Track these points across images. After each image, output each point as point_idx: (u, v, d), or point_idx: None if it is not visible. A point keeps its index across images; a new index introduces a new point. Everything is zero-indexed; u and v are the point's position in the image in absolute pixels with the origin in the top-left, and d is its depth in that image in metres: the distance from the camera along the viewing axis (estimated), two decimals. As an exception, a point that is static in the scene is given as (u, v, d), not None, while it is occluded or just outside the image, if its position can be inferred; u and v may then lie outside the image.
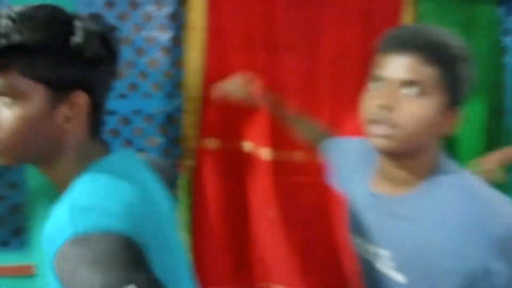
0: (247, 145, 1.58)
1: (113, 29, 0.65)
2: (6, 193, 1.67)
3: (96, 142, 0.68)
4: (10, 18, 0.56)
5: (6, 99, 0.58)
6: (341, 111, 1.54)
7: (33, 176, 1.60)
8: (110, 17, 1.59)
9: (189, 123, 1.59)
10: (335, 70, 1.53)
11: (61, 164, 0.64)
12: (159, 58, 1.64)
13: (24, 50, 0.56)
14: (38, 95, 0.59)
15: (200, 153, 1.57)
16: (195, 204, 1.57)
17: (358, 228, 0.94)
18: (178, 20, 1.61)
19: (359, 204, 0.95)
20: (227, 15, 1.49)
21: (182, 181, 1.59)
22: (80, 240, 0.51)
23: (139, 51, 1.67)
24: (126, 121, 1.70)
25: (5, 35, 0.55)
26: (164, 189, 0.77)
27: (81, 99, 0.62)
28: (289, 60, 1.52)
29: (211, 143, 1.57)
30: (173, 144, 1.69)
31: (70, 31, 0.59)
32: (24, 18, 0.57)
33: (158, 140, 1.70)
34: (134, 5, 1.60)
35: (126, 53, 1.62)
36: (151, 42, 1.64)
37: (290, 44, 1.52)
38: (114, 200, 0.57)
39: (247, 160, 1.57)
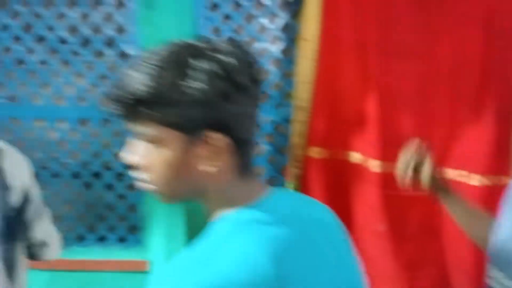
0: (355, 156, 1.55)
1: (245, 60, 0.61)
2: (126, 193, 1.82)
3: (247, 182, 0.64)
4: (139, 69, 0.59)
5: (152, 145, 0.61)
6: (459, 123, 1.45)
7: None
8: (227, 31, 1.68)
9: (296, 132, 1.61)
10: (453, 78, 1.45)
11: (209, 205, 0.64)
12: (269, 69, 1.69)
13: (151, 100, 0.58)
14: (173, 140, 0.60)
15: (307, 162, 1.58)
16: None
17: (499, 261, 0.87)
18: (290, 32, 1.66)
19: (506, 236, 0.87)
20: (341, 23, 1.49)
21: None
22: None
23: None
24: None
25: (134, 88, 0.58)
26: (338, 238, 0.71)
27: (215, 139, 0.60)
28: (403, 67, 1.46)
29: (318, 153, 1.58)
30: (280, 152, 1.72)
31: (190, 75, 0.58)
32: (149, 70, 0.58)
33: (265, 148, 1.75)
34: (250, 18, 1.68)
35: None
36: (263, 53, 1.70)
37: (405, 50, 1.46)
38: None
39: (354, 171, 1.55)
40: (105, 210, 1.83)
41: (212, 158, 0.60)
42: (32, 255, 0.99)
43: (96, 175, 1.82)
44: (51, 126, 1.78)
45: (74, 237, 1.83)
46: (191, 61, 0.59)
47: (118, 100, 0.60)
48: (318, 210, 0.71)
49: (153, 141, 0.61)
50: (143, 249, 1.80)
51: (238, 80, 0.60)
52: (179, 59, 0.59)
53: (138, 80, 0.58)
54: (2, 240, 0.85)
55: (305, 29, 1.53)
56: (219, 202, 0.63)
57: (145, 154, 0.62)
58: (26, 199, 0.91)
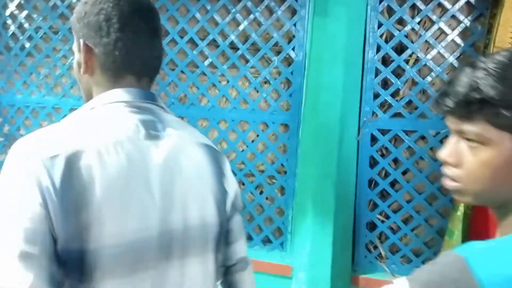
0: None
1: None
2: (276, 196, 1.84)
3: None
4: (485, 70, 0.59)
5: (472, 144, 0.62)
6: None
7: (303, 185, 1.73)
8: (399, 36, 1.62)
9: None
10: None
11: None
12: (444, 78, 1.58)
13: (496, 102, 0.59)
14: (503, 143, 0.60)
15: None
16: (470, 235, 1.44)
17: None
18: (469, 37, 1.56)
19: None
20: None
21: (457, 211, 1.47)
22: None
23: (423, 70, 1.65)
24: (397, 139, 1.69)
25: (479, 89, 0.59)
26: None
27: None
28: None
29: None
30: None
31: None
32: (497, 72, 0.59)
33: (427, 162, 1.64)
34: (426, 22, 1.61)
35: (408, 72, 1.63)
36: (438, 61, 1.61)
37: None
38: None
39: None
40: (254, 210, 1.87)
41: None
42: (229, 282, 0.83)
43: (248, 175, 1.88)
44: (213, 126, 1.88)
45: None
46: None
47: (457, 96, 0.61)
48: None
49: (478, 140, 0.61)
50: (286, 253, 1.80)
51: None
52: None
53: (487, 80, 0.59)
54: (216, 249, 0.75)
55: (499, 35, 1.40)
56: None
57: (463, 152, 0.63)
58: (234, 208, 0.80)
